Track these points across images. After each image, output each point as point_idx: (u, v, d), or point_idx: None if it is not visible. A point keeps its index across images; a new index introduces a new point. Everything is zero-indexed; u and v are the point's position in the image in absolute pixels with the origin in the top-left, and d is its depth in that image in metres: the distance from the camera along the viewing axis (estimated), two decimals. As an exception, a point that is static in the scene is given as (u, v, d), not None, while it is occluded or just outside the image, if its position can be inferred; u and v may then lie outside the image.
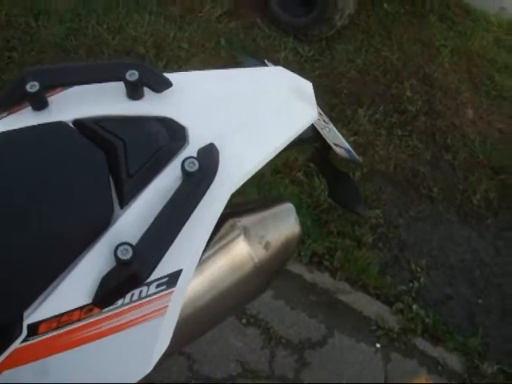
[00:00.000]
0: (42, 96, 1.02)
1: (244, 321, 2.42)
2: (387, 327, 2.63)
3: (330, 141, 1.27)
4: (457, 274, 3.02)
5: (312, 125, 1.22)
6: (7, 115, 1.03)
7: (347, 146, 1.36)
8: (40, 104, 1.03)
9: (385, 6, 4.53)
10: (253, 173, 1.04)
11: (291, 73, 1.26)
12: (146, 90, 1.07)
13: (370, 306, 2.68)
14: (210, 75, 1.16)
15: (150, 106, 1.06)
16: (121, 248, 0.87)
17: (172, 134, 1.03)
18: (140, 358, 0.92)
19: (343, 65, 3.98)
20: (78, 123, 1.03)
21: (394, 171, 3.44)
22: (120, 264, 0.87)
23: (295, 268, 2.73)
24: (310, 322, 2.52)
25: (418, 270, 2.95)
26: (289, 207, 1.29)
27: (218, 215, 0.99)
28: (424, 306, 2.78)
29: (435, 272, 3.00)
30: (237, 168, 1.02)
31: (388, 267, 2.91)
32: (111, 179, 0.97)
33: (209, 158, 0.98)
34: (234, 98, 1.13)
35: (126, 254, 0.87)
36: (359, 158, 1.41)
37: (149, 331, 0.92)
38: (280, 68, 1.27)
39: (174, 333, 0.94)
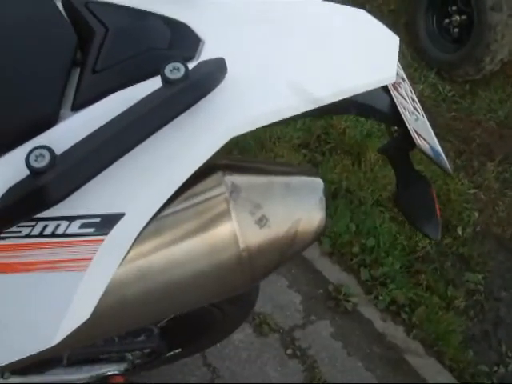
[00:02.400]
0: None
1: (289, 351, 2.13)
2: (451, 408, 2.25)
3: (410, 126, 0.96)
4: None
5: (394, 103, 0.94)
6: None
7: (438, 147, 1.05)
8: None
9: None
10: (275, 119, 0.77)
11: (375, 19, 0.99)
12: None
13: (438, 377, 2.29)
14: None
15: (166, 4, 0.83)
16: (36, 152, 0.64)
17: (179, 41, 0.79)
18: (39, 322, 0.67)
19: (483, 113, 3.63)
20: (66, 1, 0.84)
21: (510, 239, 3.03)
22: (33, 174, 0.65)
23: (367, 311, 2.41)
24: (364, 374, 2.18)
25: (509, 354, 2.53)
26: (315, 182, 0.95)
27: (204, 158, 0.72)
28: (505, 398, 2.36)
29: (529, 363, 2.56)
30: (251, 106, 0.75)
31: (474, 341, 2.51)
32: (78, 72, 0.75)
33: (207, 71, 0.72)
34: (281, 27, 0.87)
35: (41, 161, 0.64)
36: (449, 167, 1.09)
37: (58, 287, 0.67)
38: (362, 11, 1.00)
39: (104, 312, 0.69)
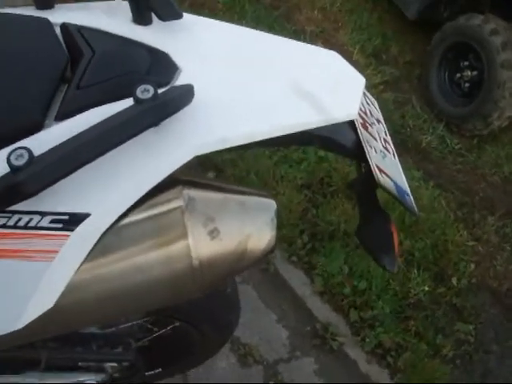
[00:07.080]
0: None
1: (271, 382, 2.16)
2: None
3: (372, 161, 1.03)
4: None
5: (359, 139, 1.02)
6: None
7: (405, 187, 1.12)
8: (43, 3, 1.01)
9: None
10: (236, 143, 0.86)
11: (345, 61, 1.08)
12: (155, 20, 0.98)
13: (419, 424, 2.32)
14: (243, 32, 1.03)
15: (151, 35, 0.97)
16: (17, 152, 0.74)
17: (158, 68, 0.91)
18: (6, 306, 0.75)
19: (488, 168, 3.69)
20: (64, 27, 0.97)
21: (505, 293, 3.05)
22: (12, 170, 0.74)
23: (353, 352, 2.45)
24: (344, 413, 2.21)
25: (494, 407, 2.54)
26: (268, 203, 1.02)
27: (167, 172, 0.82)
28: None
29: (514, 419, 2.56)
30: (216, 129, 0.85)
31: (459, 391, 2.53)
32: (65, 88, 0.87)
33: (174, 94, 0.82)
34: (256, 62, 0.97)
35: (20, 160, 0.74)
36: (415, 207, 1.15)
37: (27, 273, 0.76)
38: (334, 52, 1.09)
39: (65, 307, 0.76)
